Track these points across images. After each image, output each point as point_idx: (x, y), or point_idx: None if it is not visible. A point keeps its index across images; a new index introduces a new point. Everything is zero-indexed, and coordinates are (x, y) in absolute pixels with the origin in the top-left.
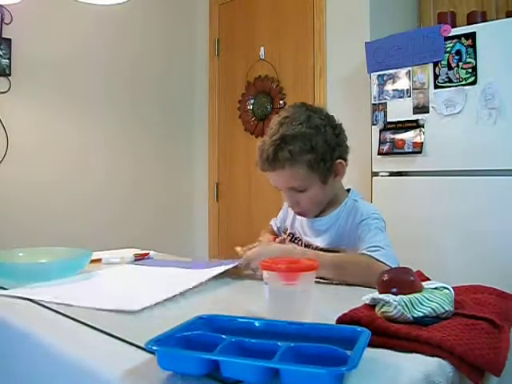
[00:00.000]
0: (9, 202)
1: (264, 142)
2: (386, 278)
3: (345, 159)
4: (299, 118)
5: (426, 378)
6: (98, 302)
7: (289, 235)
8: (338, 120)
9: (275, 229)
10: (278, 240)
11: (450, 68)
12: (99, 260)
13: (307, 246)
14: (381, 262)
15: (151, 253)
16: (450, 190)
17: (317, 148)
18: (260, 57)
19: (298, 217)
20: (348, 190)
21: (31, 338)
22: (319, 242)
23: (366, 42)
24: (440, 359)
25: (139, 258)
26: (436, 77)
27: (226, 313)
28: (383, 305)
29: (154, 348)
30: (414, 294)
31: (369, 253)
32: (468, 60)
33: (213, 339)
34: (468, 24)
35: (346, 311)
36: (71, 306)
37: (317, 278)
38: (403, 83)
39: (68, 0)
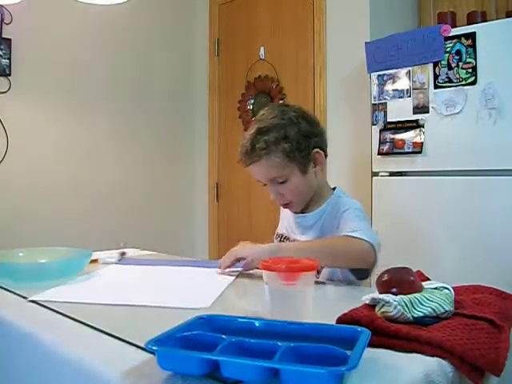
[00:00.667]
0: (8, 202)
1: (243, 138)
2: (385, 278)
3: (323, 149)
4: (273, 112)
5: (425, 378)
6: (160, 300)
7: (278, 236)
8: (314, 115)
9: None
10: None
11: (450, 68)
12: (96, 260)
13: None
14: (358, 238)
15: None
16: (449, 190)
17: (291, 137)
18: (260, 57)
19: (285, 212)
20: (334, 189)
21: (31, 338)
22: (305, 238)
23: (366, 42)
24: (440, 359)
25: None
26: (436, 77)
27: (225, 313)
28: (383, 305)
29: (154, 348)
30: (414, 294)
31: (347, 234)
32: (468, 60)
33: (213, 339)
34: (468, 24)
35: (345, 311)
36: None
37: None
38: (403, 83)
39: (68, 0)
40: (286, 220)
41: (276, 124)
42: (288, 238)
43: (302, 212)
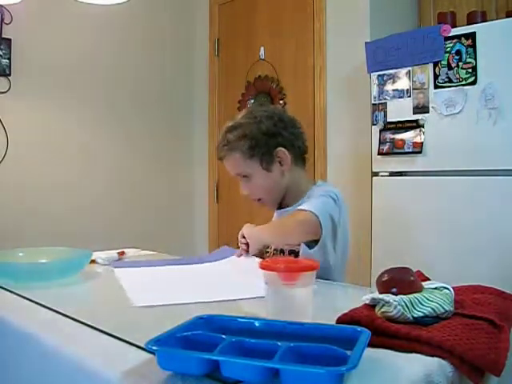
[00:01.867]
0: (9, 202)
1: None
2: (385, 278)
3: (287, 147)
4: (245, 111)
5: (425, 378)
6: (222, 294)
7: None
8: (293, 117)
9: None
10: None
11: (450, 68)
12: (94, 261)
13: None
14: (304, 210)
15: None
16: (449, 190)
17: (251, 135)
18: (260, 57)
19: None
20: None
21: (31, 338)
22: None
23: (366, 42)
24: (440, 359)
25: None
26: (436, 77)
27: (226, 313)
28: (383, 305)
29: (154, 348)
30: (414, 294)
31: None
32: (468, 60)
33: (213, 339)
34: (468, 24)
35: (345, 311)
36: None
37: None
38: (403, 83)
39: (68, 0)
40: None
41: (241, 123)
42: None
43: (281, 207)
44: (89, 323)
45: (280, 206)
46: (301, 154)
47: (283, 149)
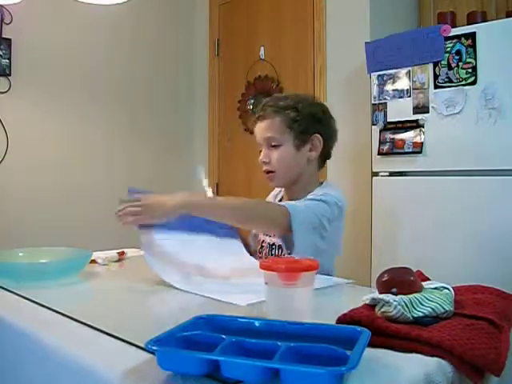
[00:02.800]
0: (9, 202)
1: None
2: (385, 278)
3: (324, 138)
4: (302, 93)
5: (425, 378)
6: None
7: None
8: (334, 119)
9: None
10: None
11: (450, 68)
12: (93, 261)
13: (274, 235)
14: (281, 205)
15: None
16: (449, 190)
17: (299, 109)
18: (260, 57)
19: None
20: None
21: (31, 338)
22: None
23: (365, 42)
24: (440, 359)
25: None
26: (436, 77)
27: (225, 313)
28: (383, 305)
29: (154, 348)
30: (414, 294)
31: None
32: (468, 60)
33: (213, 339)
34: (468, 24)
35: (345, 311)
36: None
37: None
38: (403, 83)
39: (68, 0)
40: None
41: (294, 96)
42: None
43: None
44: (89, 323)
45: (280, 199)
46: (325, 155)
47: (320, 136)
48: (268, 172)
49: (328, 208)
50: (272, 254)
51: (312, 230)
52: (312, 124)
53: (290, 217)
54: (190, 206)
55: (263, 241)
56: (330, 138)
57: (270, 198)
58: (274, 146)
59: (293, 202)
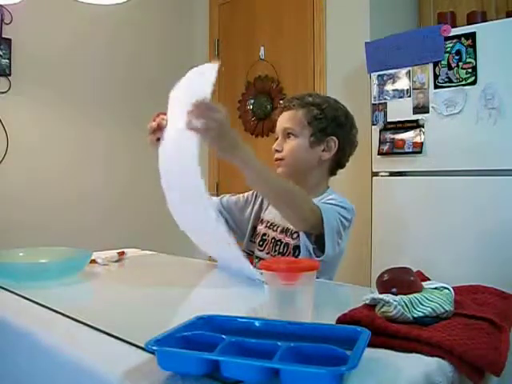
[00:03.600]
0: (9, 202)
1: None
2: (385, 278)
3: (340, 143)
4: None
5: (425, 378)
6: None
7: (264, 222)
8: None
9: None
10: None
11: (450, 68)
12: (93, 261)
13: (283, 231)
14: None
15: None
16: (450, 190)
17: (323, 109)
18: (260, 57)
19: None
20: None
21: (31, 338)
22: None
23: (366, 42)
24: (440, 359)
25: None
26: (436, 77)
27: (225, 313)
28: (383, 305)
29: (154, 348)
30: (414, 294)
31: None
32: (468, 60)
33: (213, 339)
34: (468, 24)
35: (345, 311)
36: None
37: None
38: (403, 83)
39: (68, 0)
40: (272, 213)
41: (324, 97)
42: (276, 225)
43: None
44: (89, 323)
45: None
46: (338, 163)
47: (336, 139)
48: (280, 159)
49: (348, 215)
50: (275, 251)
51: (336, 234)
52: (332, 126)
53: (320, 216)
54: (248, 163)
55: (265, 234)
56: (347, 144)
57: None
58: (289, 138)
59: (320, 203)
